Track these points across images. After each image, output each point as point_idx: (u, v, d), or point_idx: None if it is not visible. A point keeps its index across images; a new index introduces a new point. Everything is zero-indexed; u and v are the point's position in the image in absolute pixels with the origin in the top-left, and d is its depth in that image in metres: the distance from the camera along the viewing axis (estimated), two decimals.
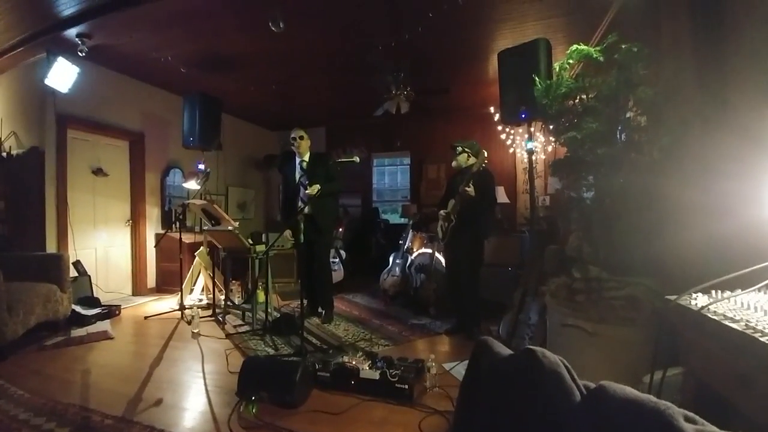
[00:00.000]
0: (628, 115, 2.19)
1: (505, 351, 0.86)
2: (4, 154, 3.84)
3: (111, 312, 3.60)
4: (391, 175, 6.55)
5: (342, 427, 1.74)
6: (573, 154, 2.26)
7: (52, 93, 3.65)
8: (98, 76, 4.07)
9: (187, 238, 4.43)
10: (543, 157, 5.10)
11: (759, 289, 0.91)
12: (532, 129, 3.00)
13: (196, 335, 3.08)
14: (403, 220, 6.07)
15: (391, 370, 2.08)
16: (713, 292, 0.96)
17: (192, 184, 4.43)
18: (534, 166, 3.13)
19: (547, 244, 2.99)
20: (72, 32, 3.36)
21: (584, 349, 1.76)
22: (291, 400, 1.89)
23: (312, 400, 1.99)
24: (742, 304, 0.88)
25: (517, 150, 5.44)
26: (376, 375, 2.06)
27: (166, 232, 4.29)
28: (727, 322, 0.78)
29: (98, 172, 4.25)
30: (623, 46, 1.99)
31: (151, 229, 4.81)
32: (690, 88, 1.80)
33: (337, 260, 4.76)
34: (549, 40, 2.75)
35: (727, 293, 0.94)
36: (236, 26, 3.36)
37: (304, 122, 6.77)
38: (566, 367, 0.68)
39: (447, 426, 1.75)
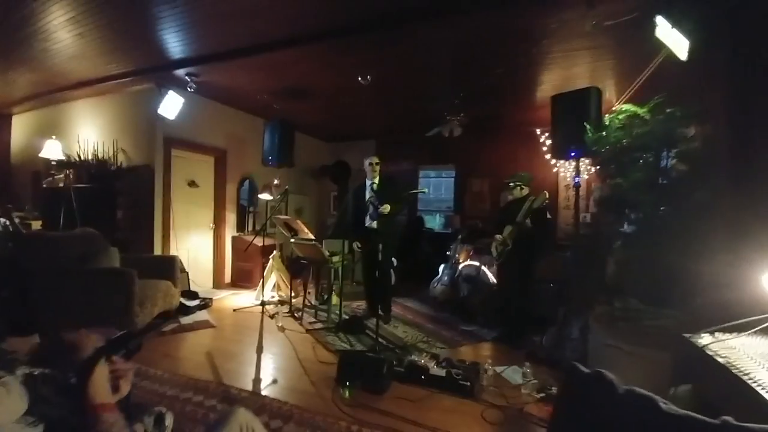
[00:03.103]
0: (670, 165, 2.52)
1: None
2: (114, 168, 4.63)
3: (206, 304, 4.33)
4: (436, 186, 6.98)
5: (422, 412, 2.24)
6: (617, 195, 2.64)
7: (161, 119, 4.39)
8: (195, 102, 4.77)
9: (259, 242, 5.11)
10: (585, 176, 5.35)
11: (749, 335, 1.31)
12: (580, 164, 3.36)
13: (280, 329, 3.70)
14: (446, 230, 6.51)
15: (454, 370, 2.57)
16: (716, 333, 1.36)
17: (266, 196, 5.11)
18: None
19: (589, 262, 3.35)
20: (181, 71, 4.06)
21: (622, 365, 2.15)
22: (379, 388, 2.42)
23: (392, 390, 2.50)
24: (732, 345, 1.28)
25: (560, 169, 5.71)
26: (442, 373, 2.56)
27: (253, 238, 4.88)
28: (716, 357, 1.19)
29: (192, 184, 5.01)
30: (667, 110, 2.35)
31: (229, 232, 5.55)
32: (724, 152, 2.14)
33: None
34: (600, 89, 3.09)
35: (726, 335, 1.34)
36: (316, 69, 3.93)
37: (356, 135, 7.36)
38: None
39: (503, 417, 2.21)
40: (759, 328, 1.32)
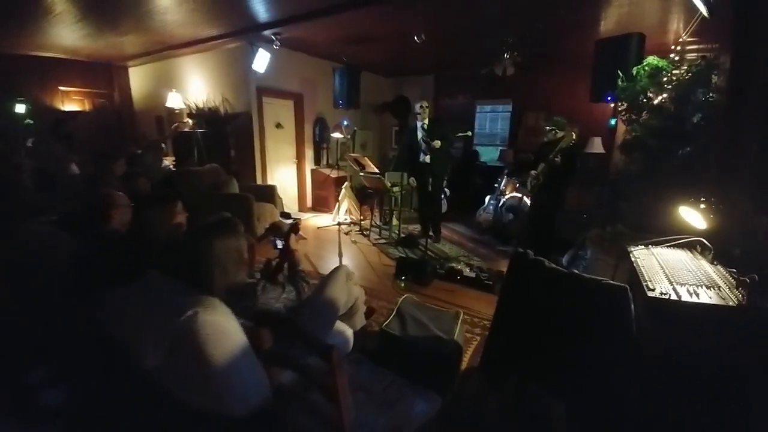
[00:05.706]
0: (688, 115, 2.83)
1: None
2: (223, 115, 5.78)
3: (298, 222, 5.60)
4: (492, 120, 7.26)
5: (453, 297, 3.22)
6: (634, 139, 3.04)
7: (253, 72, 5.30)
8: (276, 53, 5.56)
9: (333, 174, 6.19)
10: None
11: (669, 247, 1.95)
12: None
13: (353, 242, 4.84)
14: (498, 164, 6.94)
15: (482, 274, 3.46)
16: (650, 246, 2.01)
17: (337, 134, 6.01)
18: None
19: (613, 196, 3.81)
20: (268, 31, 4.82)
21: (609, 274, 2.85)
22: (424, 282, 3.42)
23: (434, 285, 3.49)
24: (653, 253, 1.93)
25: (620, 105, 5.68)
26: (472, 275, 3.46)
27: (330, 172, 6.00)
28: (633, 258, 1.88)
29: (278, 125, 6.05)
30: (684, 67, 2.63)
31: (308, 165, 6.67)
32: (725, 102, 2.45)
33: (442, 195, 6.06)
34: (643, 35, 3.26)
35: (651, 247, 1.99)
36: (377, 21, 4.43)
37: (415, 71, 7.67)
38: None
39: None
40: (674, 243, 1.96)
